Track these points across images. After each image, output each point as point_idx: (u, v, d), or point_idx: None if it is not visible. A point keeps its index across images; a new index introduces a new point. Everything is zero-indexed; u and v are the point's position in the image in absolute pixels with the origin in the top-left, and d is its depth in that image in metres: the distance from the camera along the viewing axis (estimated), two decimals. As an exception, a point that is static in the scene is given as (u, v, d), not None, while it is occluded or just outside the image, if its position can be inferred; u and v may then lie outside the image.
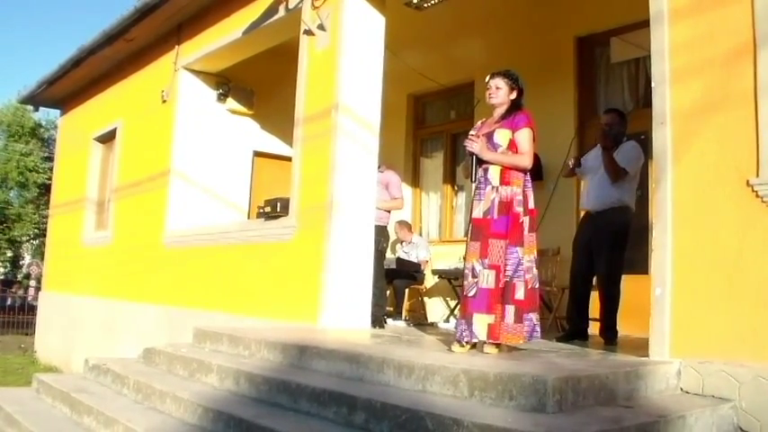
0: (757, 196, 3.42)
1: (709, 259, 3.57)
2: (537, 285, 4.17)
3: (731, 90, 3.58)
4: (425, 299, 8.63)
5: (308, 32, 6.32)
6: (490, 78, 4.36)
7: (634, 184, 5.27)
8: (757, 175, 3.42)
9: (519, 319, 4.00)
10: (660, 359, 3.64)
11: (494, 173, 4.17)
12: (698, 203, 3.65)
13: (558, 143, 6.94)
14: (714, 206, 3.59)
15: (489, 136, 4.25)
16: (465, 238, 4.39)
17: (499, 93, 4.30)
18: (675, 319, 3.64)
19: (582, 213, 5.75)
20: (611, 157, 5.15)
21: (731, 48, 3.59)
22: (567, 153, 6.77)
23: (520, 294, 4.01)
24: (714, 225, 3.57)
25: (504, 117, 4.29)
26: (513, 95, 4.31)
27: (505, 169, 4.16)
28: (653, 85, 3.91)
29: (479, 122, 4.53)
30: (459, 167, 4.77)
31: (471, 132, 4.35)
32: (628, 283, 5.59)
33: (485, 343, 4.05)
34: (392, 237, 8.09)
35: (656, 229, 3.81)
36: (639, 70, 6.93)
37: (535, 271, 4.14)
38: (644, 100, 6.66)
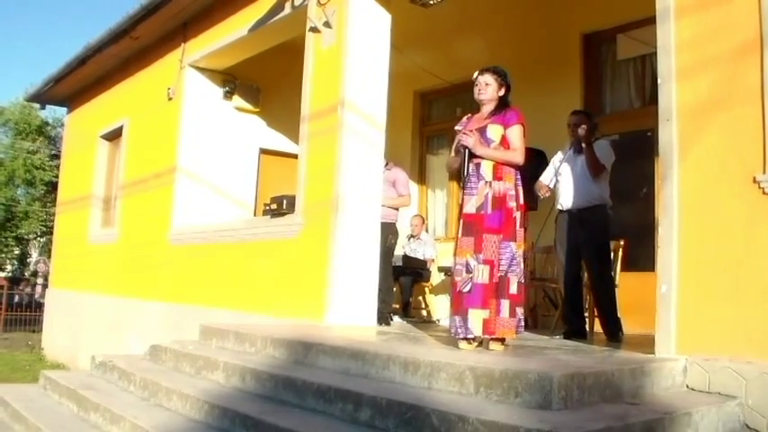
0: (764, 193, 3.41)
1: (715, 256, 3.56)
2: (524, 280, 4.21)
3: (737, 87, 3.57)
4: (432, 296, 8.63)
5: (314, 30, 6.32)
6: (479, 74, 4.35)
7: (608, 181, 5.31)
8: (764, 172, 3.41)
9: (513, 313, 4.04)
10: (666, 356, 3.63)
11: (487, 168, 4.16)
12: (704, 200, 3.64)
13: (563, 140, 6.90)
14: (720, 203, 3.58)
15: (482, 131, 4.22)
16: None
17: (488, 89, 4.30)
18: (681, 316, 3.64)
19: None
20: (593, 151, 5.17)
21: (737, 44, 3.58)
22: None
23: (514, 289, 4.05)
24: (720, 222, 3.56)
25: (493, 113, 4.28)
26: (502, 92, 4.31)
27: (498, 165, 4.16)
28: (659, 81, 3.89)
29: (465, 118, 4.50)
30: (449, 161, 4.72)
31: (458, 127, 4.33)
32: (633, 279, 5.57)
33: (490, 340, 4.06)
34: (407, 231, 8.11)
35: (662, 226, 3.80)
36: (646, 67, 6.90)
37: (523, 266, 4.17)
38: (650, 97, 6.63)
